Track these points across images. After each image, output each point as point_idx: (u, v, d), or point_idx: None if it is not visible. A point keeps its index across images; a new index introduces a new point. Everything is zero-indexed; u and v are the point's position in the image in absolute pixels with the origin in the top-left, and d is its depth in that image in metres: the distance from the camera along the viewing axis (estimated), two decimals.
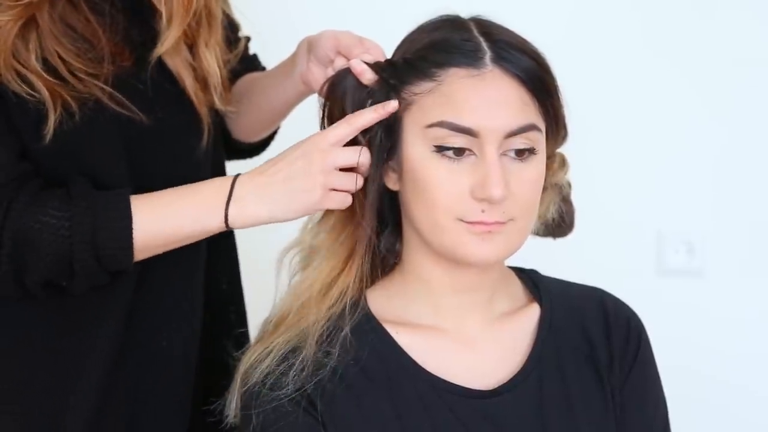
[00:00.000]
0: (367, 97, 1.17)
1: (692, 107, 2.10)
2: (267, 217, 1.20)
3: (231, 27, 1.49)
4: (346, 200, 1.18)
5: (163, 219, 1.22)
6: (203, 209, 1.21)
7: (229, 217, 1.20)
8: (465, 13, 1.18)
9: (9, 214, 1.18)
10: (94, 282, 1.22)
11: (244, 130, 1.52)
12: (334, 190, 1.18)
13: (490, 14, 1.18)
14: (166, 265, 1.29)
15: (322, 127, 1.21)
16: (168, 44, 1.30)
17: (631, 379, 1.21)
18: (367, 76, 1.18)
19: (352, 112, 1.18)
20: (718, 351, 2.12)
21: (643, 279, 2.12)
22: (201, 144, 1.35)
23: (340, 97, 1.19)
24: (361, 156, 1.16)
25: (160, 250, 1.24)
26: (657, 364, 1.25)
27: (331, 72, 1.25)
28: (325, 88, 1.22)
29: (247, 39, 1.55)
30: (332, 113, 1.20)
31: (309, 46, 1.35)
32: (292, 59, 1.40)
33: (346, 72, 1.19)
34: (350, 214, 1.20)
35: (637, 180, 2.11)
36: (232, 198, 1.20)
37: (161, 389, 1.34)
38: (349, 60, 1.22)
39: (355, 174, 1.17)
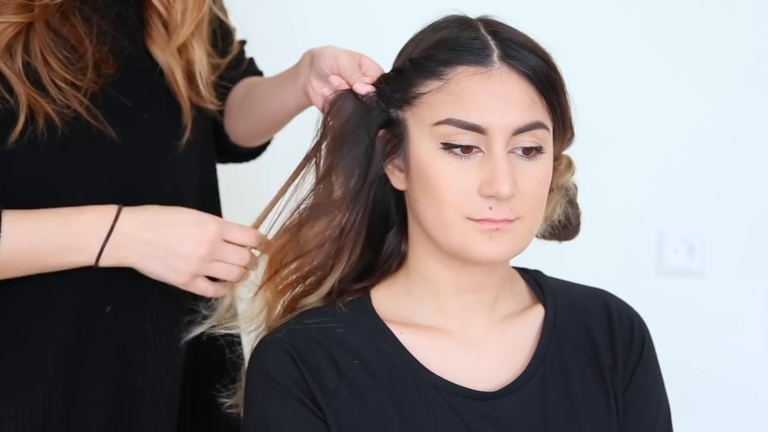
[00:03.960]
0: (368, 114, 1.18)
1: (693, 107, 2.10)
2: (139, 269, 1.24)
3: (223, 33, 1.49)
4: (209, 289, 1.24)
5: (32, 246, 1.20)
6: (77, 245, 1.21)
7: (101, 259, 1.22)
8: (471, 13, 1.18)
9: None
10: None
11: (242, 135, 1.52)
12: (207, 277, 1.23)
13: (495, 15, 1.18)
14: None
15: (316, 142, 1.20)
16: (182, 39, 1.32)
17: (634, 380, 1.21)
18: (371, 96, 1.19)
19: (352, 130, 1.18)
20: (719, 350, 2.12)
21: (644, 279, 2.12)
22: (181, 141, 1.35)
23: (340, 116, 1.19)
24: (242, 260, 1.23)
25: (14, 274, 1.22)
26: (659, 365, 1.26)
27: (328, 91, 1.23)
28: (326, 107, 1.22)
29: (243, 42, 1.55)
30: (329, 131, 1.19)
31: (311, 58, 1.34)
32: (296, 69, 1.39)
33: (348, 93, 1.20)
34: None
35: (638, 180, 2.11)
36: (110, 241, 1.21)
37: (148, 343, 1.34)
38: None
39: (232, 266, 1.24)
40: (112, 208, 1.23)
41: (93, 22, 1.27)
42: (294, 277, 1.21)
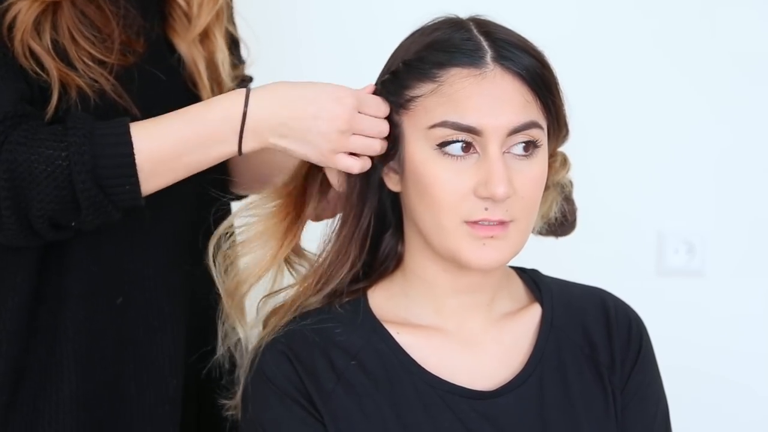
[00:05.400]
0: None
1: (694, 107, 2.10)
2: (280, 148, 1.18)
3: (236, 45, 1.50)
4: (354, 166, 1.17)
5: (169, 148, 1.19)
6: (214, 138, 1.19)
7: (243, 147, 1.18)
8: (468, 13, 1.18)
9: (3, 148, 1.16)
10: (103, 217, 1.20)
11: (239, 184, 1.46)
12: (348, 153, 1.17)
13: (494, 14, 1.18)
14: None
15: None
16: (198, 30, 1.34)
17: (632, 379, 1.21)
18: None
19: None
20: (719, 350, 2.12)
21: (643, 279, 2.11)
22: None
23: None
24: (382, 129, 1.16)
25: (169, 179, 1.21)
26: (658, 363, 1.25)
27: None
28: None
29: (251, 79, 1.53)
30: None
31: None
32: None
33: None
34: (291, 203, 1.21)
35: (638, 179, 2.11)
36: (246, 129, 1.18)
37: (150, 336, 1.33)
38: None
39: (372, 139, 1.16)
40: (239, 95, 1.18)
41: (120, 5, 1.30)
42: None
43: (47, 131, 1.18)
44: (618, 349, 1.21)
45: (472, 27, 1.15)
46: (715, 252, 2.13)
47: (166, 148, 1.19)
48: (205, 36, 1.38)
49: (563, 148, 1.24)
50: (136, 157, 1.17)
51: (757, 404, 2.14)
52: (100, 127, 1.18)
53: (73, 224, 1.20)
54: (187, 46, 1.35)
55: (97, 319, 1.29)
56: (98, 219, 1.20)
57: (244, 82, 1.52)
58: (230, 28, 1.47)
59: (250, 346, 1.23)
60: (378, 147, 1.17)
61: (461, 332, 1.19)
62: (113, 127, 1.19)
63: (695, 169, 2.11)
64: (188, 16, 1.37)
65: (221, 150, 1.19)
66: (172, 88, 1.34)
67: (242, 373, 1.22)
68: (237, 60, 1.49)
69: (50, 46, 1.22)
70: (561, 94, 1.16)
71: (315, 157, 1.18)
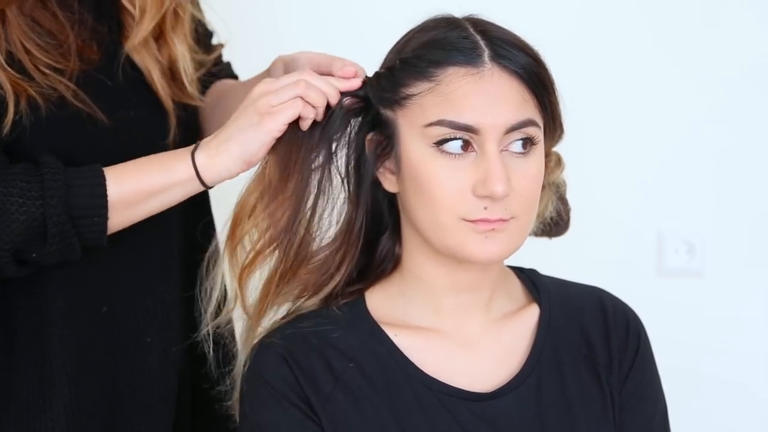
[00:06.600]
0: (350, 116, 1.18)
1: (694, 107, 2.10)
2: (232, 160, 1.19)
3: (204, 31, 1.49)
4: (288, 109, 1.15)
5: (133, 174, 1.21)
6: (171, 159, 1.21)
7: (198, 164, 1.19)
8: (468, 12, 1.18)
9: None
10: (66, 250, 1.20)
11: (209, 131, 1.49)
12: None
13: (494, 14, 1.18)
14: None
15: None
16: (139, 38, 1.31)
17: (630, 379, 1.20)
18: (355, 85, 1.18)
19: (334, 130, 1.17)
20: (718, 351, 2.12)
21: (643, 279, 2.11)
22: (167, 140, 1.35)
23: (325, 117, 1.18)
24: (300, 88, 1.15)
25: (134, 212, 1.22)
26: (656, 364, 1.25)
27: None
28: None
29: (222, 45, 1.55)
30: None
31: (284, 66, 1.34)
32: (268, 73, 1.39)
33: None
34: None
35: (638, 180, 2.11)
36: (199, 147, 1.20)
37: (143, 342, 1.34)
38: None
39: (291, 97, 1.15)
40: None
41: (75, 10, 1.29)
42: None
43: (20, 167, 1.19)
44: (615, 349, 1.21)
45: (468, 26, 1.15)
46: (715, 252, 2.13)
47: (132, 178, 1.21)
48: (163, 42, 1.36)
49: (566, 148, 1.24)
50: (107, 188, 1.19)
51: (757, 404, 2.13)
52: (72, 167, 1.20)
53: (34, 256, 1.20)
54: (140, 56, 1.34)
55: (85, 331, 1.29)
56: (60, 251, 1.20)
57: (218, 65, 1.51)
58: (196, 14, 1.45)
59: (239, 341, 1.23)
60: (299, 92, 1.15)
61: (459, 333, 1.19)
62: (86, 166, 1.21)
63: (695, 169, 2.11)
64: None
65: (178, 171, 1.21)
66: (132, 92, 1.33)
67: (237, 374, 1.21)
68: (206, 47, 1.48)
69: (3, 58, 1.21)
70: (557, 93, 1.16)
71: (254, 130, 1.17)
